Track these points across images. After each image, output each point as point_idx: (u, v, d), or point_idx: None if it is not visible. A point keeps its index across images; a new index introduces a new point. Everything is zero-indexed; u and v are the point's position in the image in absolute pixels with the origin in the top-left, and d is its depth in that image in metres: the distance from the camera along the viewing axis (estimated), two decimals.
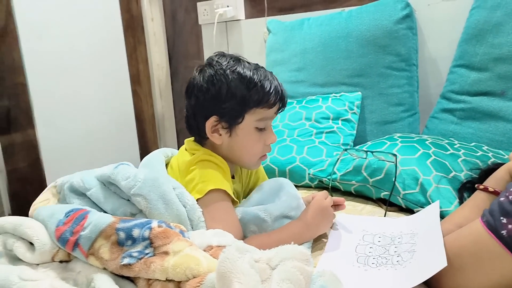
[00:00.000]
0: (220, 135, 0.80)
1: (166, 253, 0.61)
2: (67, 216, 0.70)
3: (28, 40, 1.54)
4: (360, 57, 1.37)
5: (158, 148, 0.94)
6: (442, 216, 0.86)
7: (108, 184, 0.79)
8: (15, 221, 0.71)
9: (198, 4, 1.93)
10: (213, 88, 0.78)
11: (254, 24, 1.80)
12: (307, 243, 0.78)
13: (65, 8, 1.67)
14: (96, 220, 0.67)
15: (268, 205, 0.79)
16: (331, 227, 0.84)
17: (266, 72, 0.81)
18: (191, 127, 0.84)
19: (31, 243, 0.70)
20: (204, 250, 0.64)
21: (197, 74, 0.81)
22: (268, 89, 0.78)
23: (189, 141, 0.87)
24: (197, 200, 0.75)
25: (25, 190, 1.68)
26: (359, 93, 1.37)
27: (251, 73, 0.78)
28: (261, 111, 0.80)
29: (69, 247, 0.67)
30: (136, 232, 0.64)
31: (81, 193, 0.80)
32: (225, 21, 1.86)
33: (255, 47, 1.81)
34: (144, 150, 2.10)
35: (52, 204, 0.79)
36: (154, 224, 0.65)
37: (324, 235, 0.83)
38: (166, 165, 0.87)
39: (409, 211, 0.96)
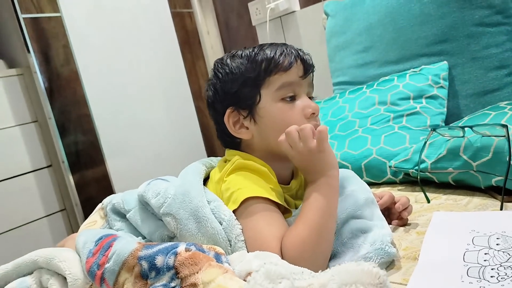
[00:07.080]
0: (247, 128, 0.71)
1: (195, 285, 0.52)
2: (96, 245, 0.67)
3: (89, 73, 1.60)
4: (440, 19, 1.17)
5: None
6: None
7: (146, 204, 0.72)
8: (48, 255, 0.69)
9: (249, 4, 1.87)
10: (218, 82, 0.73)
11: (311, 12, 1.71)
12: (387, 237, 0.61)
13: (123, 34, 1.72)
14: (119, 249, 0.61)
15: None
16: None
17: (272, 43, 0.74)
18: (221, 136, 0.77)
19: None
20: (244, 279, 0.51)
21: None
22: (273, 53, 0.71)
23: (228, 150, 0.78)
24: (233, 211, 0.63)
25: None
26: (445, 62, 1.18)
27: (251, 49, 0.73)
28: (277, 77, 0.70)
29: (97, 282, 0.62)
30: (159, 261, 0.57)
31: (123, 215, 0.75)
32: (280, 16, 1.79)
33: (315, 37, 1.69)
34: None
35: (97, 227, 0.77)
36: (181, 248, 0.57)
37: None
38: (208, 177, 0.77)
39: None
